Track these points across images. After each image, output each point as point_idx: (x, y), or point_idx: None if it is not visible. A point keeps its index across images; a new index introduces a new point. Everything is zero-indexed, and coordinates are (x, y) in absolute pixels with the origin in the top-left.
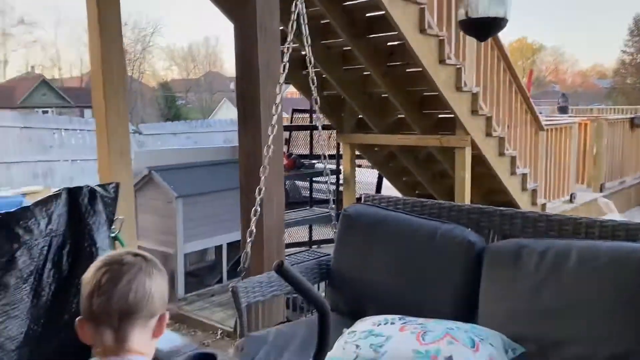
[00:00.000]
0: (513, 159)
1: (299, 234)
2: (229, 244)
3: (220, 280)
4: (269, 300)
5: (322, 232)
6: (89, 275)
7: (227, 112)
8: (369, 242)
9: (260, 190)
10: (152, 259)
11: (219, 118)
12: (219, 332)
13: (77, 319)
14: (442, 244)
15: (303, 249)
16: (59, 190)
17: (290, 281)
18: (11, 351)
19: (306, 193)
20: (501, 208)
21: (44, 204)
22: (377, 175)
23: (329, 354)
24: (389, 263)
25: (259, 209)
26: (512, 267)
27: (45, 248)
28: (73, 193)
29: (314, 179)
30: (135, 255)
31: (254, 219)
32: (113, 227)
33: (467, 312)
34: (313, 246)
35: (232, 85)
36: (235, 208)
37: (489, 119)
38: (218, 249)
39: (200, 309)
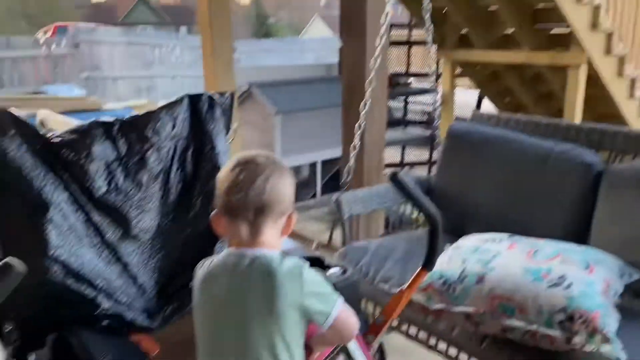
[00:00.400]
0: (633, 81)
1: (390, 155)
2: (323, 162)
3: (314, 196)
4: (369, 214)
5: (415, 155)
6: (226, 173)
7: (318, 30)
8: (475, 161)
9: (365, 104)
10: (281, 161)
11: (310, 36)
12: (314, 243)
13: (212, 213)
14: (556, 165)
15: (393, 170)
16: (181, 96)
17: (403, 190)
18: (146, 241)
19: (398, 114)
20: (626, 128)
21: (169, 109)
22: (477, 96)
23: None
24: (495, 183)
25: (363, 123)
26: (635, 190)
27: (172, 150)
28: (194, 99)
29: (409, 98)
30: (267, 157)
31: (358, 132)
32: (227, 135)
33: (577, 237)
34: (405, 168)
35: (323, 1)
36: (331, 126)
37: (609, 35)
38: (312, 166)
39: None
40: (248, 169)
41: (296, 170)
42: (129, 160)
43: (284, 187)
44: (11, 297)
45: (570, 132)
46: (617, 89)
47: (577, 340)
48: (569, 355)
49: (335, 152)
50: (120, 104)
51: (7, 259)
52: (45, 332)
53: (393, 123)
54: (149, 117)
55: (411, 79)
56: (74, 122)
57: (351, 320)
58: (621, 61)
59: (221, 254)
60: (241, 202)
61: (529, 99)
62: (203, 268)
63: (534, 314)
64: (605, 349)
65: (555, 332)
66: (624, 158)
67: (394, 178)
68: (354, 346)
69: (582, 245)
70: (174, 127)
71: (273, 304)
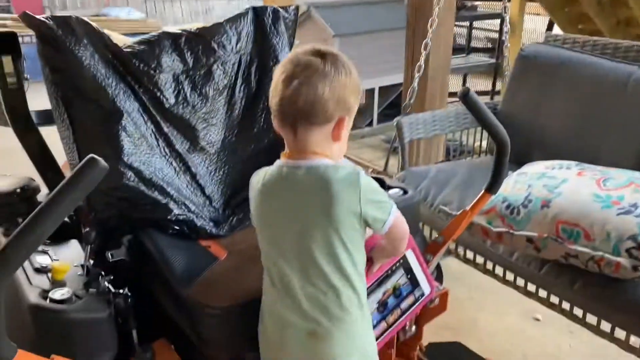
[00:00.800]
0: None
1: (452, 84)
2: (380, 88)
3: (370, 124)
4: (429, 139)
5: (477, 84)
6: (275, 73)
7: None
8: (547, 86)
9: (432, 22)
10: (335, 58)
11: None
12: (370, 170)
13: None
14: (636, 90)
15: (454, 99)
16: (246, 9)
17: (473, 109)
18: (211, 154)
19: (461, 40)
20: None
21: (234, 22)
22: (547, 23)
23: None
24: (567, 109)
25: (429, 43)
26: None
27: (236, 64)
28: (258, 12)
29: (474, 23)
30: (317, 54)
31: (424, 53)
32: (290, 51)
33: None
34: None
35: None
36: (391, 50)
37: None
38: (369, 92)
39: (350, 149)
40: (286, 70)
41: None
42: (196, 72)
43: (327, 91)
44: (89, 200)
45: None
46: None
47: None
48: (632, 283)
49: (394, 78)
50: (178, 26)
51: (90, 155)
52: (121, 234)
53: (456, 50)
54: (215, 30)
55: (477, 2)
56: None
57: (404, 227)
58: None
59: (275, 165)
60: (278, 107)
61: (605, 26)
62: (258, 178)
63: (600, 241)
64: None
65: (622, 260)
66: None
67: (465, 95)
68: (413, 261)
69: None
70: (238, 40)
71: (331, 212)
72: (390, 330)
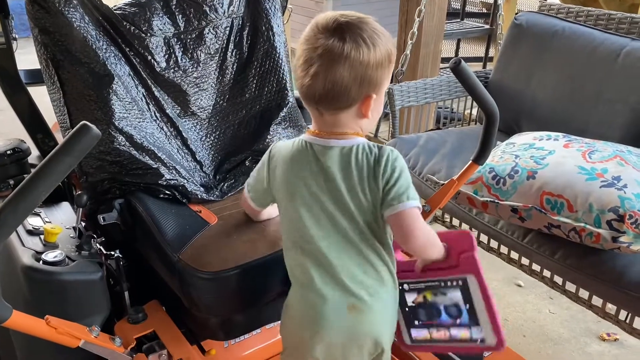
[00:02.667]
0: None
1: (445, 49)
2: None
3: None
4: (421, 107)
5: (470, 49)
6: (297, 50)
7: None
8: (539, 56)
9: None
10: (357, 31)
11: None
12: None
13: None
14: (627, 62)
15: (447, 65)
16: None
17: (464, 80)
18: (202, 119)
19: (456, 4)
20: None
21: None
22: None
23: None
24: (558, 80)
25: (423, 9)
26: None
27: (228, 28)
28: None
29: None
30: (337, 30)
31: (417, 20)
32: (282, 16)
33: (637, 140)
34: None
35: None
36: (384, 13)
37: None
38: None
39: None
40: (305, 54)
41: None
42: (187, 36)
43: (345, 76)
44: (81, 164)
45: None
46: None
47: (624, 239)
48: (610, 253)
49: None
50: None
51: (83, 122)
52: (112, 198)
53: (450, 14)
54: None
55: None
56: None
57: (420, 231)
58: None
59: (301, 139)
60: (300, 91)
61: None
62: (286, 148)
63: (583, 212)
64: None
65: (603, 231)
66: None
67: (456, 65)
68: (476, 292)
69: None
70: (230, 4)
71: (363, 189)
72: (430, 344)
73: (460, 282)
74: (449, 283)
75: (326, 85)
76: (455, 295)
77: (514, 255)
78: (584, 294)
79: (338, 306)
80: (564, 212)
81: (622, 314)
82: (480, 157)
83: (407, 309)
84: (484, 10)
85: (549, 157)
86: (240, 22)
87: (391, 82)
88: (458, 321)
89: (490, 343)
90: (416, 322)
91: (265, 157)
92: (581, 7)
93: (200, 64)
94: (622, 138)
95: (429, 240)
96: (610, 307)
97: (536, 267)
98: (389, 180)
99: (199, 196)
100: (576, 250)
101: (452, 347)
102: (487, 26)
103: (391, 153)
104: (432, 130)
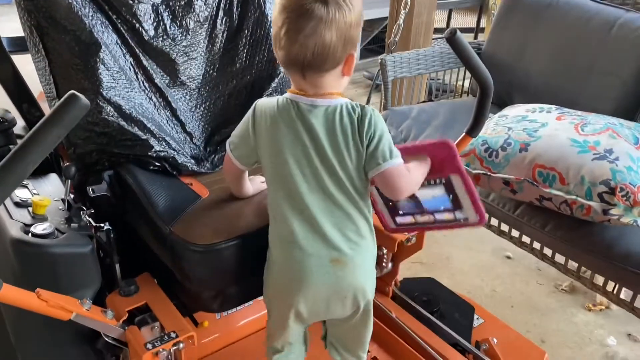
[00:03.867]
0: None
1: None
2: (364, 22)
3: None
4: (413, 78)
5: (462, 20)
6: (275, 18)
7: None
8: (532, 27)
9: None
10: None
11: None
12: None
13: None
14: (620, 35)
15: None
16: None
17: (460, 51)
18: (192, 90)
19: None
20: None
21: None
22: None
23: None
24: (551, 51)
25: None
26: None
27: None
28: None
29: None
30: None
31: None
32: None
33: (628, 113)
34: None
35: None
36: None
37: None
38: None
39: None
40: (289, 21)
41: None
42: (176, 3)
43: (335, 36)
44: (68, 135)
45: None
46: None
47: (615, 212)
48: (600, 226)
49: (378, 12)
50: None
51: (71, 92)
52: (101, 169)
53: None
54: None
55: None
56: None
57: (401, 184)
58: None
59: (285, 98)
60: (285, 60)
61: None
62: (269, 105)
63: (574, 184)
64: None
65: (594, 204)
66: None
67: (452, 36)
68: (459, 185)
69: (632, 122)
70: None
71: (347, 146)
72: (415, 227)
73: (443, 180)
74: (432, 182)
75: (316, 50)
76: (439, 190)
77: (505, 227)
78: (573, 265)
79: (321, 260)
80: (555, 185)
81: (610, 285)
82: (474, 129)
83: (390, 203)
84: None
85: (541, 129)
86: None
87: (384, 53)
88: (442, 207)
89: (472, 220)
90: (400, 212)
91: (249, 114)
92: None
93: (190, 32)
94: (614, 111)
95: (416, 185)
96: (598, 279)
97: (526, 239)
98: (372, 138)
99: (190, 168)
100: (567, 223)
101: (436, 227)
102: None
103: (373, 112)
104: (424, 102)
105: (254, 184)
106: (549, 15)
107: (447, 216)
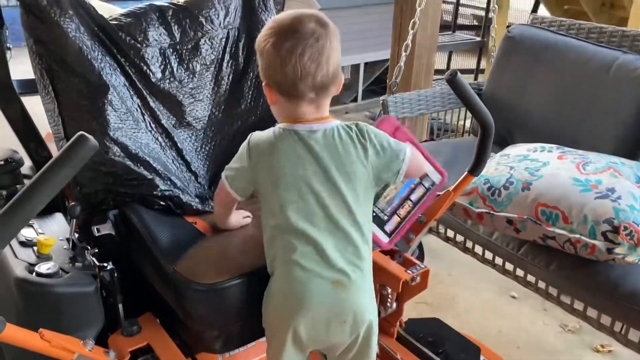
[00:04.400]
0: None
1: (437, 61)
2: (366, 64)
3: (355, 100)
4: (415, 118)
5: (462, 61)
6: (279, 50)
7: None
8: (531, 68)
9: (420, 1)
10: (326, 21)
11: None
12: None
13: (264, 84)
14: (619, 75)
15: (440, 77)
16: None
17: (460, 92)
18: (198, 130)
19: (447, 17)
20: None
21: None
22: (533, 2)
23: None
24: (550, 92)
25: (417, 22)
26: None
27: (224, 39)
28: None
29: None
30: (316, 20)
31: (411, 32)
32: None
33: (629, 153)
34: None
35: None
36: (376, 26)
37: None
38: (355, 67)
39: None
40: (307, 44)
41: None
42: (183, 47)
43: (339, 56)
44: (75, 174)
45: (638, 41)
46: None
47: (619, 250)
48: (605, 265)
49: (380, 54)
50: None
51: (80, 132)
52: (107, 209)
53: (442, 27)
54: (203, 3)
55: None
56: (118, 10)
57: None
58: None
59: (280, 128)
60: (303, 87)
61: (590, 7)
62: (267, 137)
63: (577, 223)
64: None
65: (598, 242)
66: None
67: (452, 77)
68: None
69: (633, 161)
70: (226, 15)
71: (355, 164)
72: (404, 222)
73: None
74: None
75: (332, 69)
76: None
77: (509, 266)
78: (579, 305)
79: (323, 282)
80: (559, 224)
81: (617, 326)
82: (476, 168)
83: (374, 213)
84: (475, 23)
85: (543, 168)
86: (236, 33)
87: (385, 94)
88: (412, 185)
89: (438, 181)
90: (385, 219)
91: (244, 147)
92: (573, 20)
93: (196, 75)
94: (615, 150)
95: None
96: (605, 319)
97: (531, 278)
98: (382, 145)
99: (194, 207)
100: (571, 262)
101: (419, 210)
102: (479, 38)
103: (366, 125)
104: (425, 141)
105: (236, 217)
106: (548, 57)
107: (420, 191)
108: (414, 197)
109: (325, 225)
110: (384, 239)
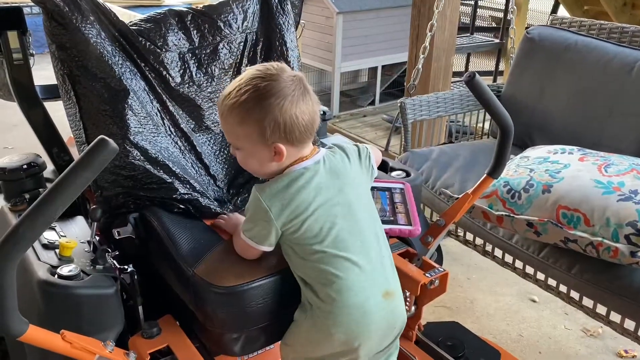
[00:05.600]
0: None
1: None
2: (383, 67)
3: (372, 103)
4: (433, 120)
5: (480, 63)
6: (291, 107)
7: None
8: (552, 69)
9: (438, 3)
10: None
11: None
12: None
13: (273, 146)
14: None
15: (458, 79)
16: None
17: (479, 94)
18: (216, 134)
19: (465, 18)
20: None
21: (240, 0)
22: (553, 3)
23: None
24: (570, 93)
25: (435, 24)
26: None
27: (242, 44)
28: None
29: (479, 2)
30: (291, 75)
31: (429, 34)
32: (295, 30)
33: None
34: None
35: None
36: (394, 28)
37: None
38: (372, 71)
39: (352, 127)
40: (304, 95)
41: (355, 74)
42: (202, 51)
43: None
44: (96, 178)
45: None
46: None
47: None
48: (628, 268)
49: (398, 57)
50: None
51: (101, 136)
52: (127, 212)
53: (460, 29)
54: (221, 8)
55: None
56: (138, 16)
57: None
58: None
59: (290, 172)
60: (303, 127)
61: (611, 8)
62: (273, 191)
63: (600, 226)
64: None
65: (621, 246)
66: None
67: (471, 79)
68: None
69: None
70: (244, 19)
71: (359, 173)
72: (410, 212)
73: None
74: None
75: (317, 109)
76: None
77: (529, 270)
78: (601, 309)
79: (376, 297)
80: (580, 227)
81: None
82: (495, 170)
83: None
84: (494, 25)
85: (564, 170)
86: (254, 37)
87: (404, 96)
88: (387, 194)
89: (402, 186)
90: (392, 219)
91: (258, 205)
92: (593, 20)
93: (215, 79)
94: (637, 152)
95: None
96: (629, 324)
97: (552, 282)
98: (356, 152)
99: (213, 210)
100: (593, 265)
101: (410, 200)
102: (497, 40)
103: (359, 144)
104: (444, 144)
105: None
106: (567, 58)
107: (397, 194)
108: (397, 199)
109: (369, 241)
110: (408, 227)
